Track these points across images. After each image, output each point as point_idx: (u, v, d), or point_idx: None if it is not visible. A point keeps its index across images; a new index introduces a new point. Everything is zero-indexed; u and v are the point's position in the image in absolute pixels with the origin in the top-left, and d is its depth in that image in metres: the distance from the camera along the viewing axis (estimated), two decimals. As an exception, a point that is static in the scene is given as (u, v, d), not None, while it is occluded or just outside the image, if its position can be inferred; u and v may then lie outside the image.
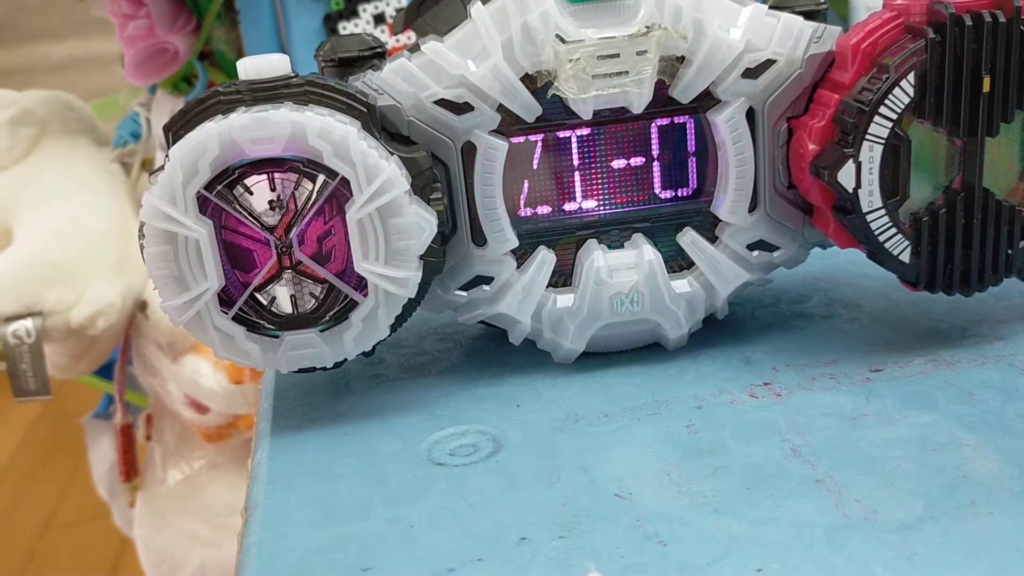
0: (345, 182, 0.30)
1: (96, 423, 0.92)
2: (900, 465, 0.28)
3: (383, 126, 0.32)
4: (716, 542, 0.26)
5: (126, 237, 0.77)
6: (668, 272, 0.35)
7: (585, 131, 0.34)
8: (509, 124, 0.33)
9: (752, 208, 0.35)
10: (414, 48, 0.33)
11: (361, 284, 0.31)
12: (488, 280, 0.35)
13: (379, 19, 0.68)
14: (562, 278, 0.36)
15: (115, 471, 0.86)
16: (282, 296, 0.32)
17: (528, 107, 0.33)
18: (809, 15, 0.34)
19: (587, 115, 0.33)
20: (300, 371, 0.33)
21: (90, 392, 0.94)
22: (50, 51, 1.80)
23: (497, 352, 0.38)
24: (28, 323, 0.70)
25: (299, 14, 0.66)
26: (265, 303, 0.32)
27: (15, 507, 1.52)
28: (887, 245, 0.33)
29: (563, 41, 0.32)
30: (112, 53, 0.91)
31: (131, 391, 0.86)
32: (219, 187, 0.30)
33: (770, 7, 0.34)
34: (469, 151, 0.33)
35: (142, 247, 0.30)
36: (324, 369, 0.33)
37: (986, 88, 0.31)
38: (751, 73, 0.33)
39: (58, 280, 0.72)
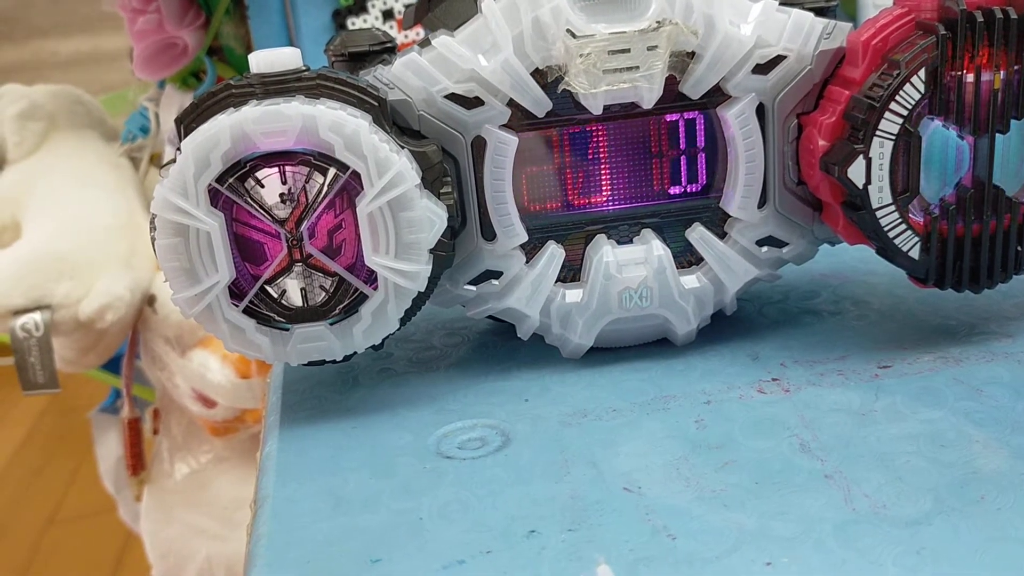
0: (356, 175, 0.30)
1: (103, 417, 0.92)
2: (909, 461, 0.28)
3: (394, 120, 0.33)
4: (725, 536, 0.26)
5: (134, 231, 0.78)
6: (677, 267, 0.35)
7: (595, 126, 0.34)
8: (519, 119, 0.33)
9: (761, 204, 0.35)
10: (424, 43, 0.33)
11: (371, 277, 0.32)
12: (497, 275, 0.35)
13: (388, 15, 0.68)
14: (571, 273, 0.36)
15: (122, 465, 0.87)
16: (292, 289, 0.32)
17: (538, 102, 0.33)
18: (819, 12, 0.34)
19: (597, 110, 0.33)
20: (309, 364, 0.33)
21: (96, 386, 0.94)
22: (58, 47, 1.80)
23: (505, 347, 0.38)
24: (36, 316, 0.70)
25: (308, 9, 0.66)
26: (275, 296, 0.32)
27: (21, 501, 1.52)
28: (897, 241, 0.33)
29: (574, 36, 0.32)
30: (120, 49, 0.91)
31: (138, 385, 0.86)
32: (230, 180, 0.30)
33: (781, 3, 0.34)
34: (479, 146, 0.33)
35: (153, 239, 0.30)
36: (333, 362, 0.33)
37: (997, 85, 0.31)
38: (761, 69, 0.33)
39: (67, 274, 0.72)
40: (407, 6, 0.38)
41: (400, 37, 0.67)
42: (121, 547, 1.33)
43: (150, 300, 0.77)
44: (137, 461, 0.83)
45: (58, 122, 0.85)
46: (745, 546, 0.25)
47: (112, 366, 0.85)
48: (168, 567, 0.83)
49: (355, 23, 0.67)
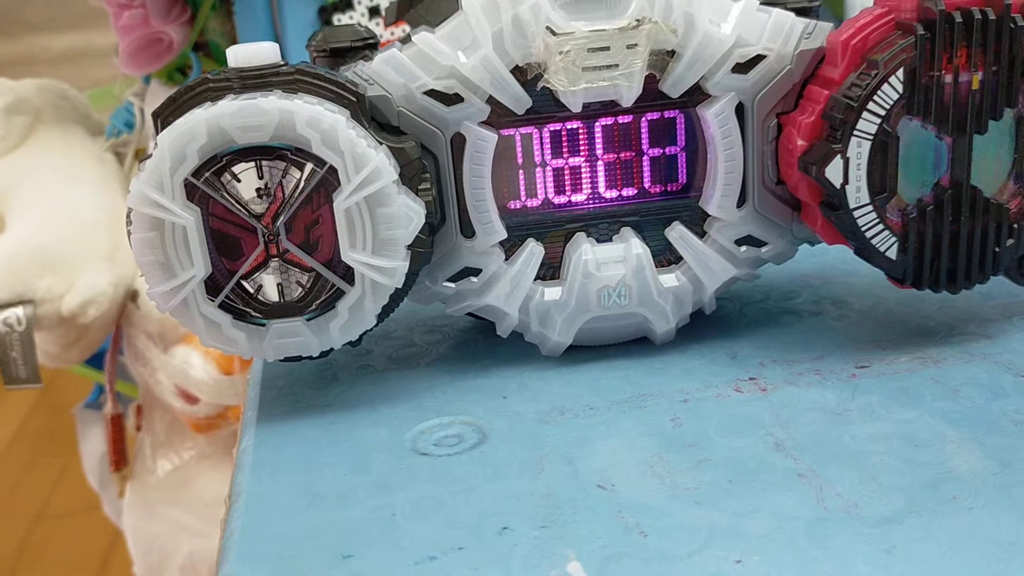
0: (333, 171, 0.30)
1: (87, 413, 0.92)
2: (883, 460, 0.28)
3: (373, 116, 0.32)
4: (697, 533, 0.26)
5: (118, 226, 0.77)
6: (656, 266, 0.35)
7: (575, 124, 0.34)
8: (499, 116, 0.33)
9: (740, 203, 0.35)
10: (405, 39, 0.33)
11: (348, 273, 0.31)
12: (476, 272, 0.35)
13: (374, 12, 0.68)
14: (550, 271, 0.36)
15: (106, 461, 0.86)
16: (269, 284, 0.32)
17: (518, 99, 0.33)
18: (802, 11, 0.34)
19: (577, 108, 0.33)
20: (287, 360, 0.33)
21: (84, 384, 0.94)
22: (50, 43, 1.80)
23: (485, 344, 0.38)
24: (19, 311, 0.70)
25: (293, 5, 0.66)
26: (252, 291, 0.32)
27: (8, 498, 1.52)
28: (874, 241, 0.33)
29: (553, 33, 0.32)
30: (111, 45, 0.90)
31: (122, 381, 0.86)
32: (207, 174, 0.30)
33: (762, 3, 0.34)
34: (459, 142, 0.33)
35: (129, 233, 0.30)
36: (311, 358, 0.33)
37: (975, 85, 0.31)
38: (741, 68, 0.33)
39: (50, 268, 0.72)
40: (392, 2, 0.38)
41: (386, 34, 0.67)
42: (109, 544, 1.32)
43: (133, 295, 0.77)
44: (120, 457, 0.82)
45: (43, 116, 0.84)
46: (716, 543, 0.25)
47: (96, 362, 0.85)
48: (151, 564, 0.83)
49: (341, 19, 0.67)
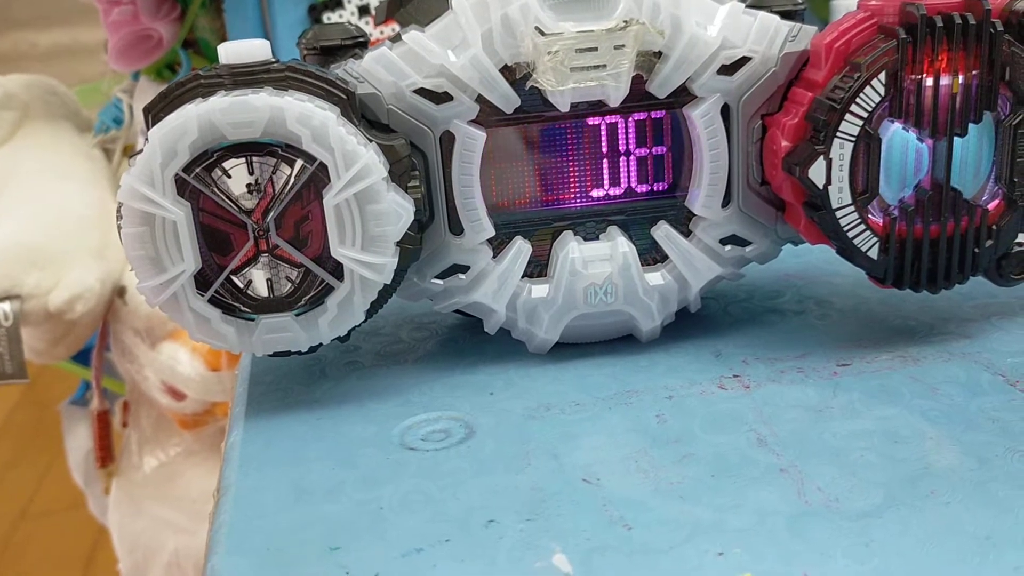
0: (323, 167, 0.30)
1: (73, 409, 0.92)
2: (863, 456, 0.29)
3: (363, 114, 0.33)
4: (680, 527, 0.26)
5: (106, 223, 0.77)
6: (642, 265, 0.35)
7: (563, 123, 0.35)
8: (488, 115, 0.34)
9: (725, 203, 0.35)
10: (395, 38, 0.34)
11: (337, 269, 0.32)
12: (464, 269, 0.35)
13: (364, 10, 0.68)
14: (537, 269, 0.36)
15: (91, 458, 0.86)
16: (258, 279, 0.32)
17: (507, 98, 0.33)
18: (786, 15, 0.35)
19: (564, 107, 0.34)
20: (275, 355, 0.33)
21: (70, 381, 0.94)
22: (37, 39, 1.79)
23: (472, 341, 0.39)
24: (6, 306, 0.70)
25: (284, 4, 0.66)
26: (241, 286, 0.32)
27: (-8, 495, 1.51)
28: (856, 241, 0.33)
29: (542, 33, 0.32)
30: (99, 42, 0.90)
31: (108, 377, 0.86)
32: (197, 169, 0.30)
33: (748, 6, 0.34)
34: (448, 140, 0.34)
35: (120, 228, 0.31)
36: (299, 354, 0.33)
37: (955, 89, 0.32)
38: (727, 70, 0.34)
39: (37, 264, 0.71)
40: (382, 1, 0.39)
41: (375, 33, 0.67)
42: (94, 542, 1.32)
43: (121, 291, 0.77)
44: (105, 453, 0.82)
45: (32, 112, 0.84)
46: (699, 537, 0.26)
47: (83, 358, 0.85)
48: (136, 561, 0.83)
49: (331, 18, 0.68)
